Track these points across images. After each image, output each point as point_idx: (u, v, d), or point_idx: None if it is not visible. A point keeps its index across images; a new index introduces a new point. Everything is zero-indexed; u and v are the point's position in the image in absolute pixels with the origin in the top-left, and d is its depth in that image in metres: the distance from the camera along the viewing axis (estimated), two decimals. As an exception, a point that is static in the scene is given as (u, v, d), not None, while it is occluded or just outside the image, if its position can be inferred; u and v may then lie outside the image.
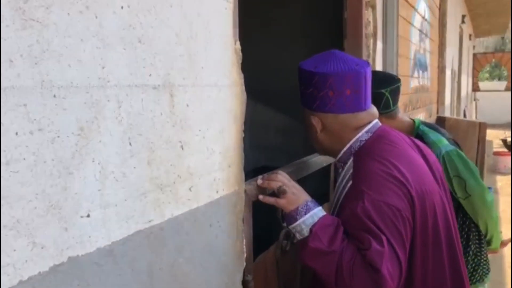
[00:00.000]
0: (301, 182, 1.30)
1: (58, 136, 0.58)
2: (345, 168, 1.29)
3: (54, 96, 0.57)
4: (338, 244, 1.07)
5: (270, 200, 1.17)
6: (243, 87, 1.01)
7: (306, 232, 1.11)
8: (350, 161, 1.28)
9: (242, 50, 0.99)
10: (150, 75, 0.73)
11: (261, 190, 1.18)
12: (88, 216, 0.62)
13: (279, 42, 2.66)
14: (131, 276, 0.70)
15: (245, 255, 1.05)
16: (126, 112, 0.68)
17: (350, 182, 1.21)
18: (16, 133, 0.52)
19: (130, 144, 0.69)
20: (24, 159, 0.53)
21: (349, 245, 1.08)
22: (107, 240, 0.66)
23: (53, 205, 0.57)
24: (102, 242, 0.65)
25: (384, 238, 1.06)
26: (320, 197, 1.34)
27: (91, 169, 0.62)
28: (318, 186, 1.82)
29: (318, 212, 1.14)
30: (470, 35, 10.92)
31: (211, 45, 0.88)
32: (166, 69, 0.76)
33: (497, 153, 7.70)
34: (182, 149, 0.81)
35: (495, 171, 7.26)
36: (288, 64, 2.38)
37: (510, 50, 16.85)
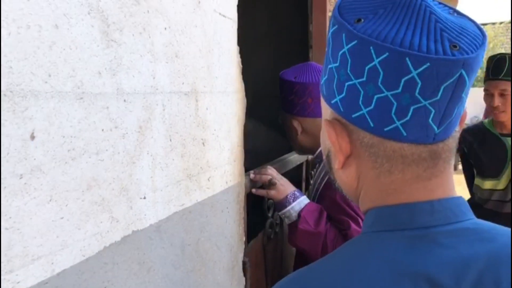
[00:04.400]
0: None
1: (127, 133, 0.72)
2: (322, 164, 1.50)
3: (124, 100, 0.71)
4: (323, 226, 1.26)
5: (262, 192, 1.35)
6: (244, 93, 1.18)
7: (294, 217, 1.29)
8: (327, 157, 1.48)
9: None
10: (183, 83, 0.88)
11: (253, 183, 1.35)
12: (145, 198, 0.77)
13: (247, 48, 2.83)
14: (170, 249, 0.85)
15: (244, 239, 1.22)
16: (168, 114, 0.83)
17: (328, 175, 1.42)
18: (102, 130, 0.67)
19: (170, 140, 0.84)
20: (107, 150, 0.68)
21: (332, 227, 1.27)
22: (155, 219, 0.80)
23: (123, 188, 0.71)
24: (152, 220, 0.79)
25: (360, 220, 1.27)
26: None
27: (146, 160, 0.77)
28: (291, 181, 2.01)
29: (304, 199, 1.32)
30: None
31: (222, 58, 1.05)
32: (193, 78, 0.92)
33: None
34: (203, 145, 0.97)
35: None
36: (255, 70, 2.56)
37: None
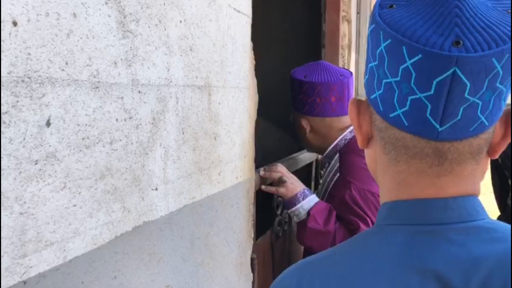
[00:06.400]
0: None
1: (140, 124, 0.72)
2: (331, 163, 1.49)
3: (139, 91, 0.72)
4: (332, 225, 1.26)
5: (271, 189, 1.35)
6: (256, 89, 1.18)
7: (303, 215, 1.29)
8: (336, 156, 1.47)
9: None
10: (196, 77, 0.88)
11: (263, 180, 1.35)
12: (156, 189, 0.77)
13: (259, 47, 2.81)
14: (179, 242, 0.85)
15: (252, 236, 1.21)
16: (181, 107, 0.83)
17: (338, 175, 1.41)
18: (116, 119, 0.67)
19: (183, 133, 0.84)
20: (120, 140, 0.68)
21: (341, 226, 1.27)
22: (166, 211, 0.80)
23: (136, 178, 0.72)
24: (163, 212, 0.79)
25: (369, 220, 1.26)
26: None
27: (159, 152, 0.77)
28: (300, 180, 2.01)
29: (314, 198, 1.32)
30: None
31: (236, 53, 1.05)
32: (206, 72, 0.92)
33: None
34: (215, 139, 0.97)
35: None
36: (267, 70, 2.55)
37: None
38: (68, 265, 0.58)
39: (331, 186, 1.43)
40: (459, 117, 0.44)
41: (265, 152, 2.49)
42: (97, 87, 0.62)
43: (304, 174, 1.96)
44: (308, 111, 1.50)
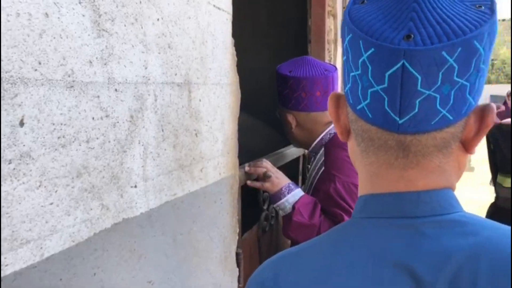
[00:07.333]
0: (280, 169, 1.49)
1: (118, 122, 0.73)
2: (317, 157, 1.50)
3: (116, 90, 0.72)
4: (317, 219, 1.27)
5: (257, 184, 1.36)
6: (238, 85, 1.18)
7: (289, 209, 1.30)
8: (322, 151, 1.49)
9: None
10: (175, 74, 0.89)
11: (248, 176, 1.36)
12: (136, 186, 0.78)
13: (245, 45, 2.81)
14: (161, 238, 0.86)
15: (237, 231, 1.23)
16: (160, 105, 0.84)
17: (323, 168, 1.42)
18: (93, 118, 0.67)
19: (162, 130, 0.85)
20: (97, 138, 0.68)
21: (326, 220, 1.28)
22: (146, 207, 0.81)
23: (114, 176, 0.72)
24: (143, 209, 0.80)
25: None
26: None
27: (138, 149, 0.78)
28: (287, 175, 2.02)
29: (299, 192, 1.33)
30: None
31: (216, 50, 1.05)
32: (186, 69, 0.92)
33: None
34: (196, 136, 0.97)
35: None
36: (254, 66, 2.56)
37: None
38: (45, 263, 0.59)
39: (316, 179, 1.44)
40: (416, 110, 0.45)
41: (253, 149, 2.51)
42: (72, 86, 0.63)
43: (292, 169, 1.97)
44: (294, 106, 1.51)
